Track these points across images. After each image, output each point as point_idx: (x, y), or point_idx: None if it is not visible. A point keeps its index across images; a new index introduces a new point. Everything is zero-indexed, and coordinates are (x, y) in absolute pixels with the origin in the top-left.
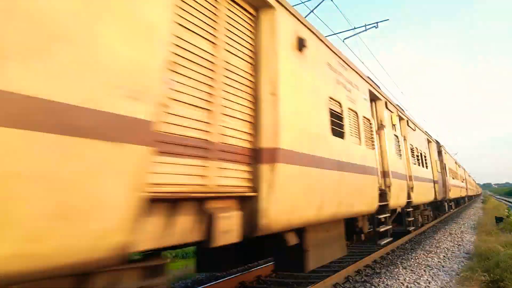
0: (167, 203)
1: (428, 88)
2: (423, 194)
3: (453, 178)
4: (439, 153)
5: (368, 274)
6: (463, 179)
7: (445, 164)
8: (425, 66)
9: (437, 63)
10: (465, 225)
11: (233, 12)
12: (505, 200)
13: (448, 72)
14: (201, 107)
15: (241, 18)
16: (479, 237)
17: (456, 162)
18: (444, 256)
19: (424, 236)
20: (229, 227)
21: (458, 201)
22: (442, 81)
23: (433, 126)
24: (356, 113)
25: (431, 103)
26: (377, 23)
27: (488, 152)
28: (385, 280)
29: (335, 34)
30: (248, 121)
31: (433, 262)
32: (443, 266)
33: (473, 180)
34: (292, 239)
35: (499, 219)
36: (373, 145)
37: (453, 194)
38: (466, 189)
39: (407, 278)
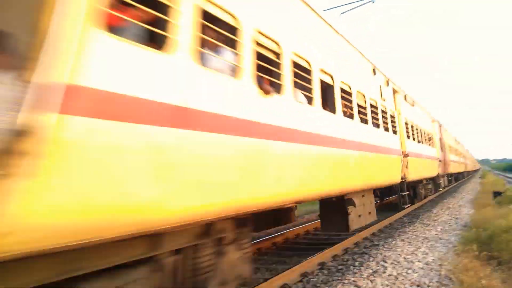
0: None
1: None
2: None
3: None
4: None
5: (366, 246)
6: (428, 137)
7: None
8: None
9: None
10: (463, 199)
11: None
12: (504, 176)
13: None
14: None
15: None
16: (477, 211)
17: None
18: (442, 229)
19: (422, 210)
20: None
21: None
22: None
23: (432, 102)
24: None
25: (428, 74)
26: None
27: (487, 126)
28: (383, 251)
29: (331, 8)
30: None
31: (431, 234)
32: (440, 239)
33: (471, 155)
34: None
35: (497, 193)
36: None
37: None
38: (443, 162)
39: (405, 250)
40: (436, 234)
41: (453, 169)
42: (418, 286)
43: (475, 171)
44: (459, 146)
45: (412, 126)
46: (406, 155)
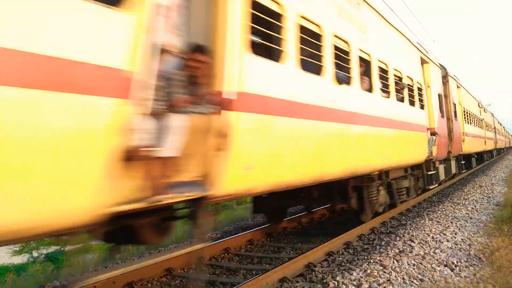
0: None
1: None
2: None
3: None
4: None
5: (393, 225)
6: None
7: None
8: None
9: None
10: (496, 178)
11: None
12: None
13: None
14: None
15: None
16: (511, 189)
17: None
18: (473, 208)
19: (453, 188)
20: None
21: None
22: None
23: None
24: None
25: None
26: None
27: None
28: (410, 231)
29: None
30: None
31: (461, 213)
32: (470, 218)
33: (503, 127)
34: None
35: None
36: None
37: None
38: (446, 136)
39: (433, 229)
40: (466, 213)
41: (472, 146)
42: (445, 265)
43: (509, 148)
44: (486, 115)
45: (309, 34)
46: (228, 105)
